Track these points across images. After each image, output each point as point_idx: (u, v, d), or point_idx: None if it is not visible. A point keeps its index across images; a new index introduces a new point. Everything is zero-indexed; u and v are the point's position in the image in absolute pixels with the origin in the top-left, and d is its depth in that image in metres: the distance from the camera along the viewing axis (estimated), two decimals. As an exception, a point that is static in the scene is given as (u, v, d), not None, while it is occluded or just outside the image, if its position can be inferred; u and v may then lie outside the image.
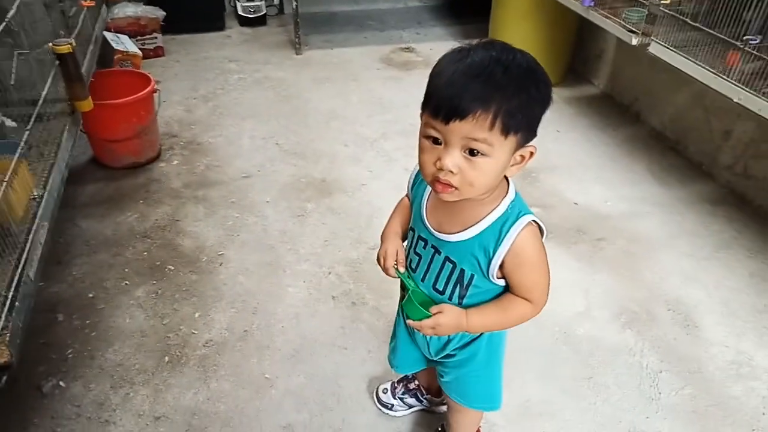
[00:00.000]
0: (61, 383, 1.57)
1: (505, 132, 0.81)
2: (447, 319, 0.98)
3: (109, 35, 2.96)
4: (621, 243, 2.10)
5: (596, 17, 2.37)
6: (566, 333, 1.75)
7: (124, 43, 2.98)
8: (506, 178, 0.95)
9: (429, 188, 1.00)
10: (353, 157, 2.56)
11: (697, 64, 1.86)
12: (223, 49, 3.62)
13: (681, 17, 1.92)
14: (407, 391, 1.49)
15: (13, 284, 1.04)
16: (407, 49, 3.66)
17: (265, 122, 2.82)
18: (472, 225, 0.94)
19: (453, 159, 0.83)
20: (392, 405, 1.49)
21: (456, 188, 0.86)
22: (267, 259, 1.99)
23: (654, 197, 2.34)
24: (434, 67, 0.86)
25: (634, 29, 2.15)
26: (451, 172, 0.83)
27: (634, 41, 2.11)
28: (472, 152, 0.82)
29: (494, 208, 0.93)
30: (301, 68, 3.40)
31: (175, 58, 3.46)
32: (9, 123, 1.46)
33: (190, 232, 2.11)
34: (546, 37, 3.00)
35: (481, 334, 1.09)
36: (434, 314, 0.98)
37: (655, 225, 2.19)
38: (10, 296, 1.02)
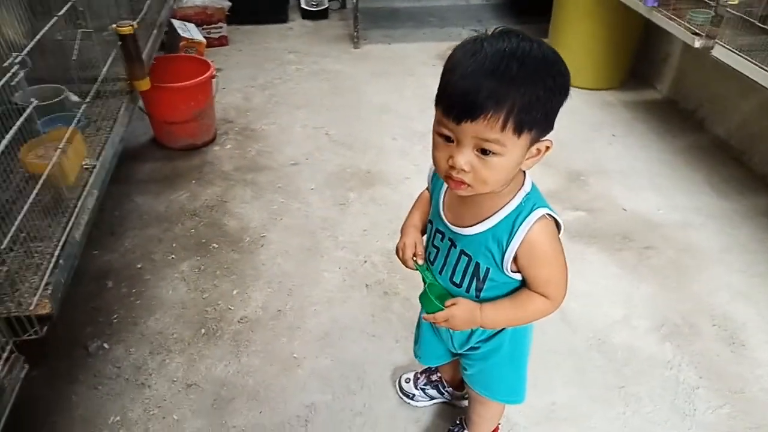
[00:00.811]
0: (105, 345, 1.66)
1: (518, 131, 0.79)
2: (460, 311, 0.98)
3: (176, 23, 3.10)
4: (669, 253, 2.01)
5: (659, 18, 2.28)
6: (601, 340, 1.70)
7: (190, 31, 3.11)
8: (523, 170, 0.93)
9: None
10: (401, 150, 2.58)
11: (764, 69, 1.76)
12: (284, 40, 3.72)
13: (750, 19, 1.82)
14: (429, 382, 1.49)
15: (60, 244, 1.11)
16: (465, 46, 3.63)
17: (318, 113, 2.88)
18: (486, 218, 0.94)
19: (465, 157, 0.82)
20: (414, 395, 1.50)
21: (469, 185, 0.86)
22: (306, 243, 2.04)
23: (710, 208, 2.22)
24: (448, 59, 0.84)
25: (698, 31, 2.05)
26: (464, 170, 0.83)
27: (697, 44, 2.02)
28: (485, 151, 0.82)
29: (508, 201, 0.92)
30: (358, 62, 3.44)
31: (238, 48, 3.59)
32: (73, 98, 1.57)
33: (236, 213, 2.18)
34: (608, 38, 2.91)
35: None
36: (448, 307, 0.99)
37: (707, 237, 2.08)
38: (56, 255, 1.10)
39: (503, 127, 0.78)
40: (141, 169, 2.42)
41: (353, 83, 3.18)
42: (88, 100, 1.38)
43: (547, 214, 0.92)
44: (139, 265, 1.94)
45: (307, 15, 4.02)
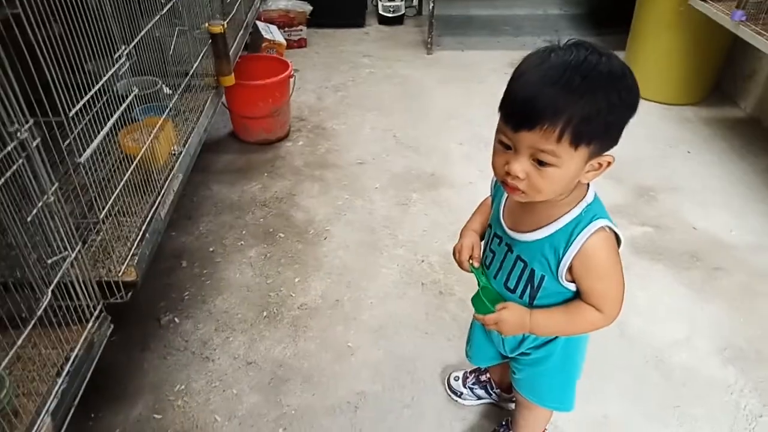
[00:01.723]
0: (175, 319, 1.79)
1: (575, 143, 0.80)
2: (510, 315, 1.00)
3: (260, 24, 3.27)
4: (740, 276, 1.93)
5: (746, 33, 2.19)
6: (659, 358, 1.66)
7: (272, 32, 3.27)
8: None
9: None
10: (466, 155, 2.61)
11: None
12: (359, 44, 3.83)
13: None
14: (478, 382, 1.51)
15: (147, 219, 1.23)
16: (539, 56, 3.60)
17: (387, 115, 2.95)
18: (545, 225, 0.95)
19: (521, 165, 0.84)
20: (461, 393, 1.53)
21: (523, 191, 0.88)
22: (367, 239, 2.11)
23: (789, 233, 2.11)
24: (517, 67, 0.86)
25: (788, 47, 1.97)
26: (518, 177, 0.85)
27: (786, 59, 1.93)
28: (540, 162, 0.83)
29: (569, 211, 0.93)
30: (429, 67, 3.49)
31: (315, 50, 3.73)
32: (166, 90, 1.71)
33: (303, 206, 2.29)
34: (689, 53, 2.81)
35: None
36: (499, 310, 1.01)
37: (784, 262, 1.98)
38: (143, 229, 1.21)
39: (559, 139, 0.80)
40: (219, 160, 2.58)
41: (423, 88, 3.23)
42: (179, 92, 1.50)
43: (607, 226, 0.92)
44: (211, 249, 2.07)
45: (383, 20, 4.12)
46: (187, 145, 1.51)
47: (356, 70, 3.45)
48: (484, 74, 3.35)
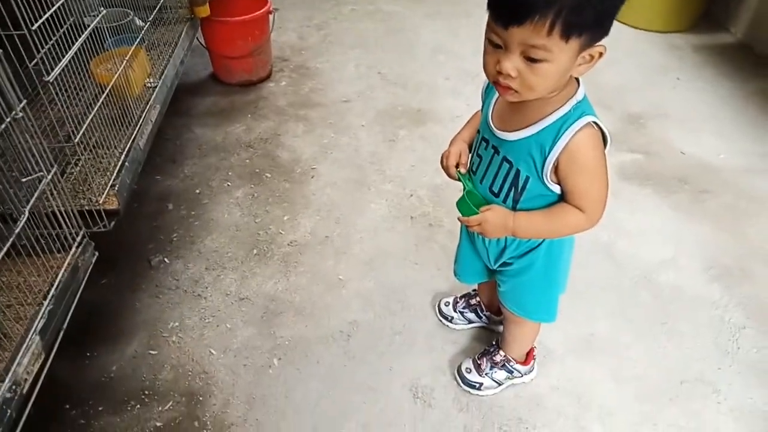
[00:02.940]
0: (165, 260, 1.79)
1: (566, 36, 0.79)
2: (493, 216, 1.00)
3: (236, -38, 3.13)
4: (727, 198, 1.94)
5: (738, -51, 2.12)
6: (647, 278, 1.69)
7: (248, -30, 3.13)
8: (577, 78, 0.93)
9: None
10: (453, 90, 2.56)
11: None
12: (340, -19, 3.69)
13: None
14: (468, 306, 1.53)
15: (126, 149, 1.20)
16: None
17: (372, 52, 2.88)
18: (534, 123, 0.94)
19: (512, 63, 0.83)
20: (452, 317, 1.55)
21: (516, 90, 0.86)
22: (354, 176, 2.09)
23: (777, 154, 2.12)
24: None
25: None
26: (510, 75, 0.84)
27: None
28: (532, 59, 0.82)
29: (558, 108, 0.92)
30: (414, 2, 3.38)
31: (295, -12, 3.59)
32: (138, 22, 1.64)
33: (288, 146, 2.25)
34: (680, -24, 2.74)
35: (540, 243, 1.10)
36: (483, 212, 1.01)
37: (771, 183, 1.99)
38: (122, 158, 1.19)
39: (550, 32, 0.78)
40: (200, 103, 2.51)
41: (408, 24, 3.14)
42: (150, 20, 1.45)
43: (594, 122, 0.91)
44: (197, 191, 2.04)
45: (364, -44, 3.96)
46: (163, 77, 1.46)
47: (338, 7, 3.34)
48: (469, 8, 3.25)
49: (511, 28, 0.80)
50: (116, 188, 1.11)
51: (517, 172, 0.98)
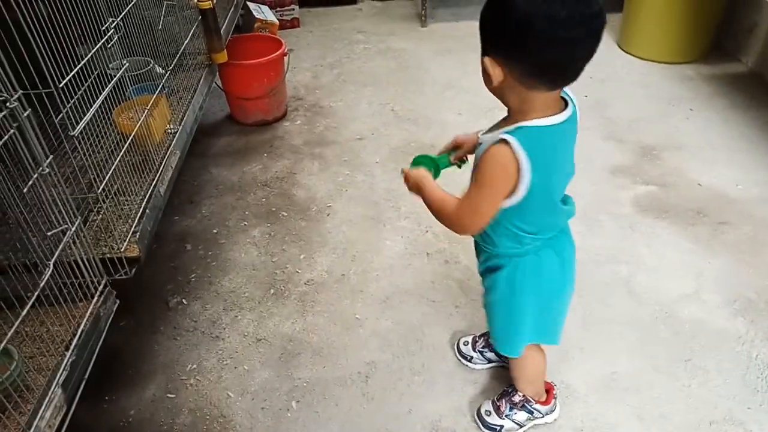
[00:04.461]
0: (183, 301, 1.80)
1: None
2: (417, 174, 1.13)
3: (251, 5, 3.23)
4: (747, 229, 1.92)
5: (745, -18, 2.15)
6: (668, 313, 1.66)
7: (264, 12, 3.23)
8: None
9: None
10: (465, 125, 2.58)
11: None
12: (353, 20, 3.78)
13: None
14: (487, 345, 1.51)
15: (146, 196, 1.22)
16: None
17: (384, 90, 2.93)
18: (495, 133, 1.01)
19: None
20: (471, 357, 1.53)
21: None
22: (370, 213, 2.10)
23: (795, 184, 2.09)
24: None
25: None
26: None
27: (786, 6, 1.89)
28: None
29: (510, 126, 0.98)
30: (424, 40, 3.45)
31: (309, 29, 3.68)
32: (159, 69, 1.69)
33: (304, 184, 2.28)
34: (687, 8, 2.76)
35: (501, 265, 1.14)
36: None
37: (791, 213, 1.97)
38: (143, 205, 1.21)
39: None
40: (217, 144, 2.56)
41: (419, 60, 3.20)
42: (170, 67, 1.49)
43: (509, 141, 0.93)
44: (214, 230, 2.07)
45: (375, -4, 4.06)
46: (183, 123, 1.50)
47: (351, 46, 3.41)
48: (478, 44, 3.28)
49: None
50: (137, 235, 1.13)
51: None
